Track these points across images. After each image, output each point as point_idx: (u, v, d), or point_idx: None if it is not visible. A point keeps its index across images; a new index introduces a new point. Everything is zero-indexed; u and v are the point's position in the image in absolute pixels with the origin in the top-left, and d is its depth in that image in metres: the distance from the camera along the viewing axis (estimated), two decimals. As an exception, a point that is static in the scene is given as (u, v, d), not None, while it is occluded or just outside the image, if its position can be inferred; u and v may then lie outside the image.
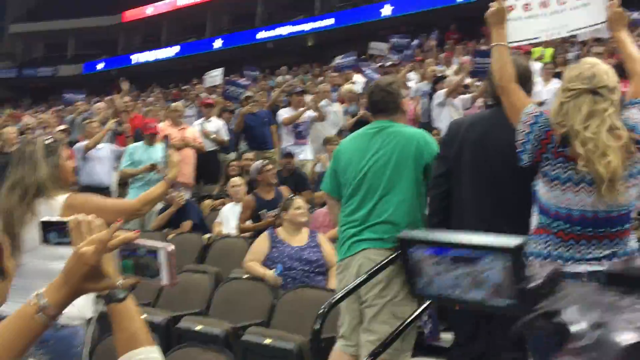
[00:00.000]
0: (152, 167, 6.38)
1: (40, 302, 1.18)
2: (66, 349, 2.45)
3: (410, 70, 10.35)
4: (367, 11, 20.88)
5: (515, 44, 2.86)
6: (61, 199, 2.59)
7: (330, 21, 21.91)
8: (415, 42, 12.74)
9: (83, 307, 2.53)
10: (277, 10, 24.89)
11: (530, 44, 9.32)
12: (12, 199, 2.57)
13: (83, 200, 2.64)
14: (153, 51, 27.09)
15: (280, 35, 23.31)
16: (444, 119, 7.72)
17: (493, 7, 2.52)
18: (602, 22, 2.56)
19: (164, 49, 26.89)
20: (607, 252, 2.20)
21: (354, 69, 11.01)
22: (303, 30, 22.82)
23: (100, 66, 28.25)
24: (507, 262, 0.95)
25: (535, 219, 2.35)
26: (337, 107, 8.39)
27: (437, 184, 2.85)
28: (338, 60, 12.25)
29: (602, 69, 2.21)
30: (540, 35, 2.81)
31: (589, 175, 2.15)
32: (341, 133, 7.61)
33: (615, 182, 2.10)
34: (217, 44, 24.90)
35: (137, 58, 27.40)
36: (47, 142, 2.71)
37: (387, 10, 20.20)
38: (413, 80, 9.78)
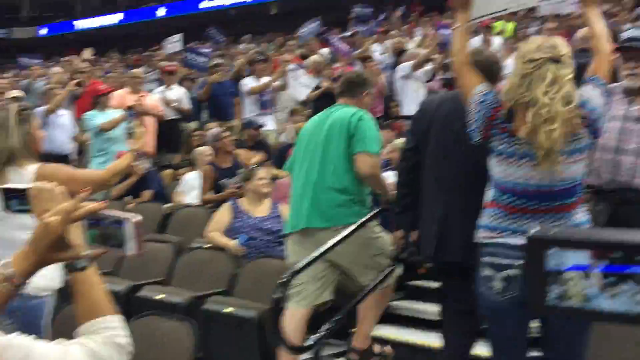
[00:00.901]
0: (125, 117, 6.29)
1: (7, 271, 1.19)
2: (34, 320, 2.45)
3: (374, 42, 10.34)
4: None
5: (486, 18, 2.86)
6: (32, 168, 2.56)
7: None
8: (382, 16, 12.69)
9: (52, 278, 2.52)
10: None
11: (492, 18, 9.39)
12: None
13: (54, 170, 2.61)
14: (111, 15, 26.33)
15: (244, 2, 22.94)
16: (408, 92, 7.77)
17: None
18: None
19: (121, 13, 26.17)
20: (550, 226, 2.29)
21: (318, 39, 10.93)
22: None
23: (54, 29, 27.34)
24: None
25: (488, 194, 2.43)
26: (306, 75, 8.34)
27: (405, 157, 3.00)
28: (302, 29, 12.13)
29: (557, 40, 2.31)
30: (511, 6, 2.79)
31: (531, 149, 2.22)
32: (306, 104, 7.61)
33: (554, 152, 2.17)
34: (177, 9, 24.34)
35: (95, 22, 26.61)
36: (19, 109, 2.66)
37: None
38: (376, 52, 9.79)
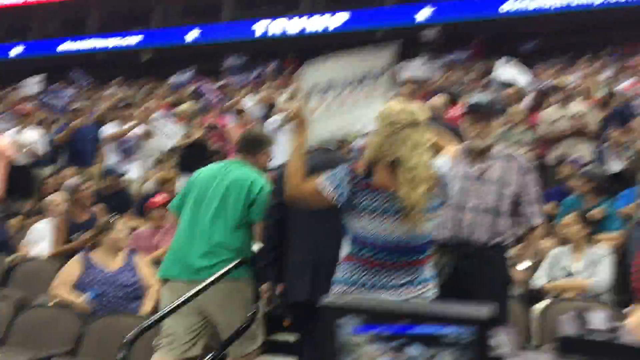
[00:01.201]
0: None
1: None
2: None
3: (246, 94, 10.43)
4: (212, 31, 20.70)
5: (317, 143, 2.98)
6: None
7: (170, 36, 21.38)
8: (255, 68, 12.90)
9: None
10: (111, 19, 23.75)
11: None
12: None
13: None
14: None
15: (115, 46, 22.28)
16: (279, 143, 7.86)
17: (293, 111, 2.66)
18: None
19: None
20: (404, 280, 2.38)
21: (190, 88, 10.85)
22: (138, 43, 22.03)
23: None
24: (475, 335, 0.78)
25: (345, 249, 2.47)
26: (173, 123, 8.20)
27: (271, 214, 3.11)
28: (174, 78, 12.01)
29: (416, 106, 2.46)
30: (337, 134, 3.01)
31: (393, 205, 2.32)
32: (174, 151, 7.45)
33: (418, 212, 2.29)
34: (40, 49, 23.09)
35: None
36: None
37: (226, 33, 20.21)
38: (248, 104, 9.87)
